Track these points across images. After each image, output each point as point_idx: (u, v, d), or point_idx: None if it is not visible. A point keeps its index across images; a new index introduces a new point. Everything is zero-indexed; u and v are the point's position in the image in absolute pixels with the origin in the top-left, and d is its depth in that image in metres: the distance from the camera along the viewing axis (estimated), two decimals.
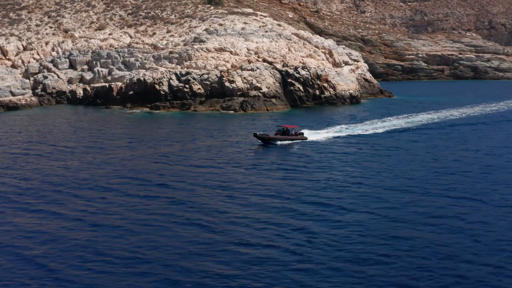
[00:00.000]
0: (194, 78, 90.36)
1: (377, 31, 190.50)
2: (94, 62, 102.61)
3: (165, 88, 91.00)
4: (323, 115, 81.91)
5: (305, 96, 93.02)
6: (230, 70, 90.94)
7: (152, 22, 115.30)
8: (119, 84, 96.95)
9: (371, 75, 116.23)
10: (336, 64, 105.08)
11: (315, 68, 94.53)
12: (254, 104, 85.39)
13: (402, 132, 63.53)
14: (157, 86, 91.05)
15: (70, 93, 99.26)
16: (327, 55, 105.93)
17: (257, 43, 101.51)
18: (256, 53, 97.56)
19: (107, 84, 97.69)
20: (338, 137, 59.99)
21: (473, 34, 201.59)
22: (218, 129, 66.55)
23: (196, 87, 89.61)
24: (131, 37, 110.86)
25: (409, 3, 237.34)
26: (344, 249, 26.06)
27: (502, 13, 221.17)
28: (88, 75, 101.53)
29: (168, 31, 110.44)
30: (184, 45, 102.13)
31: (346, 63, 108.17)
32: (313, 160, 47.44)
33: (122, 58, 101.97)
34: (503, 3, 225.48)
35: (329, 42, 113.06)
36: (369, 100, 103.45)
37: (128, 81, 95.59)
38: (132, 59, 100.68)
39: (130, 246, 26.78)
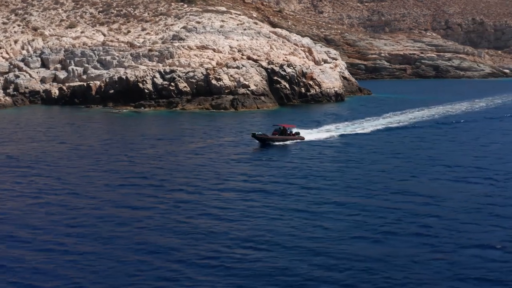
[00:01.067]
0: (179, 76, 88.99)
1: (339, 31, 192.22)
2: (68, 60, 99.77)
3: (149, 86, 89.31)
4: (313, 113, 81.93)
5: (291, 94, 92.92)
6: (216, 68, 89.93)
7: (125, 20, 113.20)
8: (98, 83, 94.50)
9: (349, 73, 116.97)
10: (316, 62, 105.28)
11: (300, 65, 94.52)
12: (244, 102, 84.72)
13: (402, 129, 63.57)
14: (140, 85, 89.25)
15: (45, 93, 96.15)
16: (307, 53, 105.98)
17: (237, 40, 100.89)
18: (239, 50, 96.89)
19: (85, 83, 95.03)
20: (342, 135, 58.40)
21: (433, 34, 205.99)
22: (216, 127, 65.63)
23: (182, 85, 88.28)
24: (104, 35, 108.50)
25: (366, 4, 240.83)
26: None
27: (458, 13, 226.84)
28: (62, 74, 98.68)
29: (143, 29, 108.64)
30: (163, 43, 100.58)
31: (325, 61, 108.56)
32: (324, 161, 45.35)
33: (97, 57, 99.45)
34: (459, 4, 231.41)
35: (307, 41, 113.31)
36: (350, 98, 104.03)
37: (107, 80, 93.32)
38: (108, 58, 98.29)
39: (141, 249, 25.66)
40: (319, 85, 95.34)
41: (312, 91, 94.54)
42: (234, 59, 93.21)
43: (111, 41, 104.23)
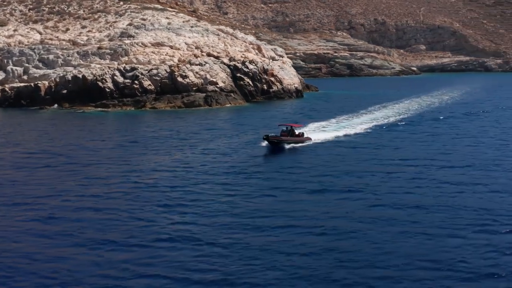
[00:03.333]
0: (142, 74, 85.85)
1: (253, 31, 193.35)
2: (5, 60, 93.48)
3: (110, 85, 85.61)
4: (286, 109, 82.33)
5: (255, 91, 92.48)
6: (180, 65, 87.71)
7: (59, 17, 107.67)
8: (46, 83, 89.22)
9: (295, 70, 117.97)
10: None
11: (261, 62, 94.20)
12: (218, 99, 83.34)
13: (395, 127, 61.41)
14: (100, 83, 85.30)
15: None
16: (256, 51, 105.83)
17: (189, 38, 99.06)
18: (197, 47, 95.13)
19: (32, 84, 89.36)
20: (346, 135, 54.68)
21: (344, 34, 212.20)
22: (214, 124, 64.66)
23: (147, 83, 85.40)
24: (40, 33, 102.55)
25: (270, 5, 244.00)
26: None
27: (360, 14, 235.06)
28: None
29: (83, 27, 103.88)
30: (110, 40, 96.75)
31: (273, 59, 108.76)
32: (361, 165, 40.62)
33: (38, 56, 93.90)
34: (361, 4, 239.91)
35: (252, 38, 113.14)
36: (304, 94, 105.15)
37: (58, 80, 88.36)
38: (51, 56, 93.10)
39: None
40: (280, 82, 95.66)
41: (274, 88, 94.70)
42: (196, 56, 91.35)
43: (50, 39, 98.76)
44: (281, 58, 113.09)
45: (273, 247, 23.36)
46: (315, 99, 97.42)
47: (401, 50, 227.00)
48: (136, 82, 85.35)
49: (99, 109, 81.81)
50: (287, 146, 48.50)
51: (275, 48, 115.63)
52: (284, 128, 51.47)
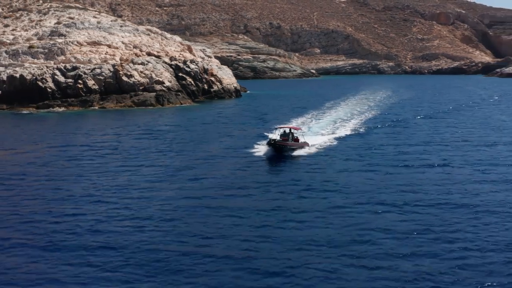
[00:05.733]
0: (85, 73, 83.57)
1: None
2: None
3: (51, 85, 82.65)
4: (240, 110, 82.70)
5: (197, 90, 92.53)
6: (123, 64, 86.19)
7: None
8: None
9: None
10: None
11: (201, 62, 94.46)
12: (170, 98, 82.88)
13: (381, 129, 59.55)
14: (40, 83, 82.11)
15: None
16: (187, 51, 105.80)
17: (123, 37, 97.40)
18: (135, 47, 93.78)
19: None
20: (340, 138, 51.02)
21: (245, 37, 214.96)
22: (194, 123, 64.49)
23: (91, 82, 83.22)
24: None
25: (165, 8, 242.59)
26: None
27: (255, 18, 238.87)
28: None
29: (6, 25, 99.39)
30: (39, 39, 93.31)
31: (203, 59, 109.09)
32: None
33: None
34: (256, 9, 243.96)
35: (179, 39, 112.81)
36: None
37: None
38: None
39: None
40: (220, 82, 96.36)
41: (215, 88, 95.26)
42: (137, 55, 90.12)
43: None
44: (209, 58, 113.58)
45: None
46: (255, 98, 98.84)
47: (297, 54, 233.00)
48: (80, 81, 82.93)
49: (44, 110, 78.65)
50: (292, 153, 42.91)
51: (203, 49, 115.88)
52: (283, 132, 45.84)
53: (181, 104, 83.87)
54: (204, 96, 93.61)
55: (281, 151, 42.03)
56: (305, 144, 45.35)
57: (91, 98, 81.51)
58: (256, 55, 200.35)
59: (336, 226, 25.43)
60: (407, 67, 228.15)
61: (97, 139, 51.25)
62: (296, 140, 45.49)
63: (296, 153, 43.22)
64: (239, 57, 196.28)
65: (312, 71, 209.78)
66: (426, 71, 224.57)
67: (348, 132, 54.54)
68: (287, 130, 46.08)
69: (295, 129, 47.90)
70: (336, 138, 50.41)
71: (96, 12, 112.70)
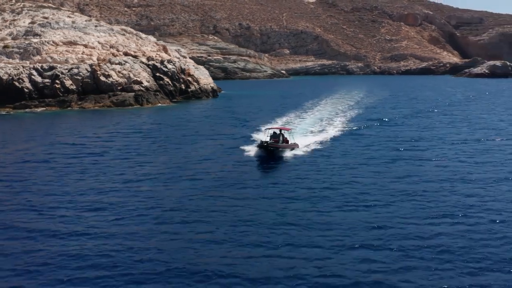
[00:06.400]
0: (62, 73, 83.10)
1: None
2: None
3: (28, 85, 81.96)
4: (218, 110, 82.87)
5: (174, 90, 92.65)
6: (101, 64, 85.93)
7: None
8: None
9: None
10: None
11: (178, 62, 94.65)
12: (149, 98, 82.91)
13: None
14: (17, 83, 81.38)
15: None
16: (163, 51, 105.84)
17: (99, 37, 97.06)
18: (112, 46, 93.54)
19: None
20: (329, 138, 50.02)
21: (215, 37, 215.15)
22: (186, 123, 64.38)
23: (68, 82, 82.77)
24: None
25: (134, 8, 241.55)
26: None
27: (225, 19, 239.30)
28: None
29: None
30: (14, 39, 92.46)
31: (180, 59, 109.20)
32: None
33: None
34: (225, 9, 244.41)
35: (153, 39, 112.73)
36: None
37: None
38: None
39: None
40: (197, 82, 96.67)
41: (192, 88, 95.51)
42: (114, 55, 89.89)
43: None
44: (184, 59, 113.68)
45: None
46: (231, 98, 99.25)
47: (267, 54, 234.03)
48: (57, 81, 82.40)
49: (21, 110, 77.93)
50: (282, 154, 41.47)
51: (178, 49, 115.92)
52: (273, 133, 44.32)
53: (160, 104, 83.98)
54: (182, 96, 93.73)
55: (273, 153, 40.37)
56: (295, 145, 43.75)
57: (69, 98, 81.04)
58: (227, 56, 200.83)
59: (336, 226, 25.35)
60: (376, 68, 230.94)
61: (79, 140, 50.53)
62: (286, 141, 43.56)
63: (286, 154, 41.63)
64: (209, 57, 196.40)
65: (282, 71, 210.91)
66: (395, 71, 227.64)
67: (336, 132, 53.85)
68: (277, 131, 44.36)
69: (285, 129, 46.07)
70: (324, 138, 49.46)
71: (70, 12, 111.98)
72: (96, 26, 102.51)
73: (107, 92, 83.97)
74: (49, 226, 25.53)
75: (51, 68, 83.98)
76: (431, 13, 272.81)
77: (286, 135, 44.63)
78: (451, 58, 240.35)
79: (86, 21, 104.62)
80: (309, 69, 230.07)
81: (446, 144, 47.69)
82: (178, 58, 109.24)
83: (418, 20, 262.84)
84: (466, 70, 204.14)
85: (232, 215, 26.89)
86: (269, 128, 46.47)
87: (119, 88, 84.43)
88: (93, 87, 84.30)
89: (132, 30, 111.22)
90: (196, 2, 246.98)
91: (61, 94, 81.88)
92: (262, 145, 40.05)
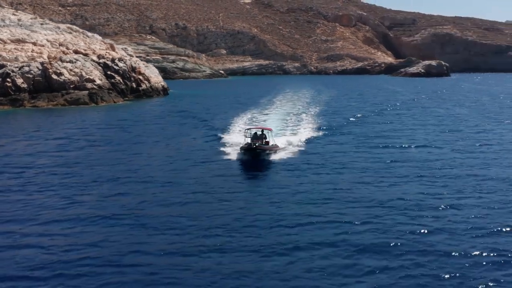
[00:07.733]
0: (13, 71, 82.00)
1: None
2: None
3: None
4: (173, 108, 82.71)
5: (126, 89, 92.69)
6: (52, 62, 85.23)
7: None
8: None
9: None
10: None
11: (129, 60, 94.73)
12: (103, 96, 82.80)
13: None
14: None
15: None
16: (111, 49, 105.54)
17: (46, 35, 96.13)
18: (61, 44, 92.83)
19: None
20: (305, 139, 47.82)
21: (153, 37, 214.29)
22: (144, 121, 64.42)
23: (20, 81, 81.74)
24: None
25: (68, 8, 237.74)
26: None
27: (161, 19, 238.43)
28: None
29: None
30: None
31: (131, 57, 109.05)
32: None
33: None
34: (161, 9, 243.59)
35: (100, 37, 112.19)
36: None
37: None
38: None
39: None
40: (148, 80, 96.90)
41: (143, 86, 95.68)
42: (64, 53, 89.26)
43: None
44: (131, 57, 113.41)
45: None
46: (181, 97, 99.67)
47: (203, 55, 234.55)
48: (8, 80, 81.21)
49: None
50: (268, 157, 38.78)
51: (125, 48, 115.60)
52: (255, 134, 41.19)
53: (115, 102, 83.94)
54: (133, 94, 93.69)
55: (259, 156, 37.29)
56: (276, 147, 40.60)
57: (21, 97, 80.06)
58: (165, 56, 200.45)
59: (333, 228, 24.76)
60: (312, 68, 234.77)
61: (35, 141, 48.48)
62: (267, 142, 40.14)
63: (272, 157, 38.96)
64: (148, 57, 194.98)
65: (221, 71, 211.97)
66: (331, 71, 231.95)
67: (309, 131, 52.08)
68: (259, 132, 41.16)
69: (267, 129, 42.43)
70: (300, 138, 47.36)
71: (14, 10, 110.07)
72: (42, 24, 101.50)
73: (59, 90, 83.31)
74: None
75: (1, 66, 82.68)
76: (365, 14, 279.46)
77: (268, 135, 41.13)
78: (386, 58, 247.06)
79: (31, 19, 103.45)
80: (246, 69, 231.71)
81: (424, 140, 48.15)
82: (127, 56, 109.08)
83: (353, 21, 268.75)
84: (402, 70, 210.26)
85: (218, 221, 25.42)
86: (249, 128, 42.82)
87: (71, 86, 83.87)
88: (45, 85, 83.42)
89: (78, 28, 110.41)
90: (131, 2, 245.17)
91: (13, 93, 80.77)
92: (250, 148, 36.89)
